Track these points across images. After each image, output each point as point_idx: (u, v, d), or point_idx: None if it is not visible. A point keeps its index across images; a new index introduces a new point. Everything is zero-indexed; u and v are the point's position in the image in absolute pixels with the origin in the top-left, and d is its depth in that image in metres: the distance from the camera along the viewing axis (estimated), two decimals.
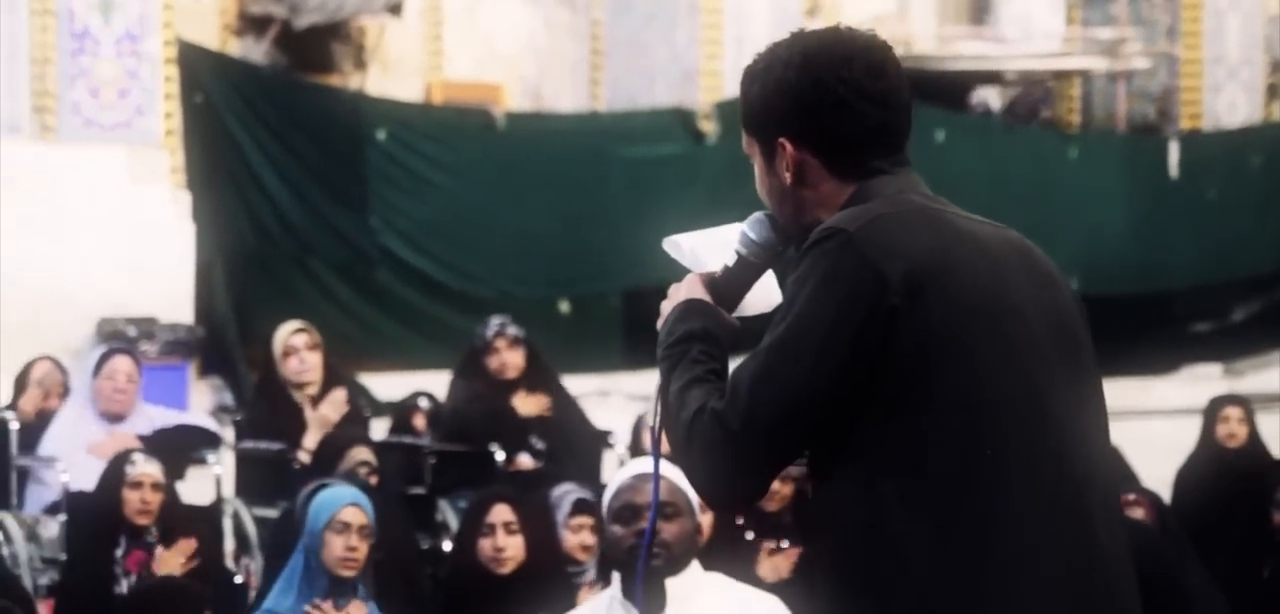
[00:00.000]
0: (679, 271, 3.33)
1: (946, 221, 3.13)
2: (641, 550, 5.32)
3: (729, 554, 7.06)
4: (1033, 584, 3.00)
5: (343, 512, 6.75)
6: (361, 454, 8.28)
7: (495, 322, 9.94)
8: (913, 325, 3.00)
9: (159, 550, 7.59)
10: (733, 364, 3.14)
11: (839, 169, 3.18)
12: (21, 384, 9.75)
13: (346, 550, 6.69)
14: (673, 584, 5.49)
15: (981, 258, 3.10)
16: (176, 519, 7.76)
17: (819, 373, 3.00)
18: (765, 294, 3.31)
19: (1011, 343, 3.07)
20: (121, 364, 9.11)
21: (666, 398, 3.16)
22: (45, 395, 9.52)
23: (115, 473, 7.76)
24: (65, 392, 9.61)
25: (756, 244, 3.27)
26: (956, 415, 3.01)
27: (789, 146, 3.18)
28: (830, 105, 3.15)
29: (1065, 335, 3.15)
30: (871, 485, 3.02)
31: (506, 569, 6.93)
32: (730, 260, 3.29)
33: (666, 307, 3.26)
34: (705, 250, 3.34)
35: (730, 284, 3.28)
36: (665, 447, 3.24)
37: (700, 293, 3.26)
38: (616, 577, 5.65)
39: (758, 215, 3.29)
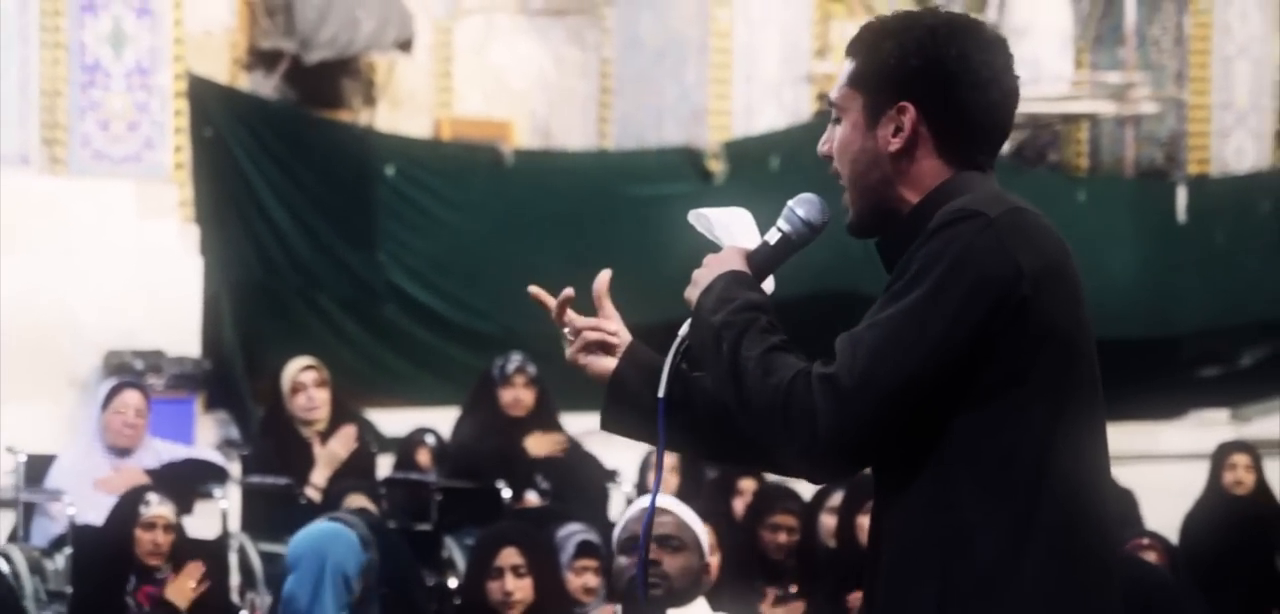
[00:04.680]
0: (698, 266, 3.24)
1: (1052, 226, 3.11)
2: (640, 542, 5.24)
3: (733, 598, 7.05)
4: (1080, 600, 3.01)
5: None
6: (359, 501, 8.25)
7: (516, 357, 9.92)
8: (1036, 321, 2.99)
9: (170, 579, 7.58)
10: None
11: (949, 150, 3.12)
12: None
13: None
14: None
15: (1078, 269, 3.12)
16: (184, 553, 7.75)
17: (944, 349, 2.95)
18: (770, 277, 3.26)
19: (1093, 360, 3.10)
20: (131, 398, 9.11)
21: (738, 362, 3.03)
22: None
23: (129, 511, 7.73)
24: None
25: (803, 223, 3.21)
26: (1046, 420, 3.00)
27: (912, 111, 3.09)
28: (969, 83, 3.09)
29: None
30: (947, 469, 2.99)
31: (515, 613, 6.91)
32: (769, 238, 3.22)
33: (705, 275, 3.17)
34: (734, 226, 3.27)
35: (767, 261, 3.21)
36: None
37: (743, 266, 3.18)
38: (618, 609, 5.65)
39: (807, 195, 3.22)
